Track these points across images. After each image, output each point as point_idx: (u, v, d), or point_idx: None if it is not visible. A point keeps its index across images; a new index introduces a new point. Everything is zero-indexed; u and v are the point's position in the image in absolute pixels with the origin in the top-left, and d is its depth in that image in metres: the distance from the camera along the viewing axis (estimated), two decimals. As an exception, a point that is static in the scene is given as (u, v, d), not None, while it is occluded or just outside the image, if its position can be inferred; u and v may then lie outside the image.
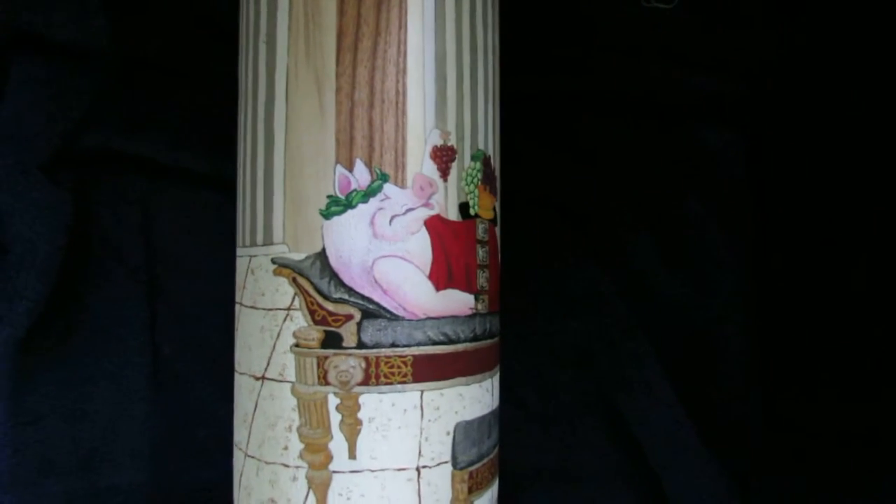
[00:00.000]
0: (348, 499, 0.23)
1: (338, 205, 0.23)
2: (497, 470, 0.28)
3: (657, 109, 0.36)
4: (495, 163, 0.27)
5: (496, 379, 0.28)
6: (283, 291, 0.24)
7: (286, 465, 0.24)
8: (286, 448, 0.24)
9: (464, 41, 0.25)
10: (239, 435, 0.26)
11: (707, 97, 0.36)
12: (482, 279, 0.26)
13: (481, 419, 0.26)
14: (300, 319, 0.24)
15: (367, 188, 0.23)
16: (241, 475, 0.25)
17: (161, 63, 0.32)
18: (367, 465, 0.23)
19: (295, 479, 0.24)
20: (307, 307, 0.24)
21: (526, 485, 0.36)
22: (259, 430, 0.24)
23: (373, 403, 0.23)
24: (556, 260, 0.37)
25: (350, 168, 0.23)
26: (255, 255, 0.25)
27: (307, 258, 0.24)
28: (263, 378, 0.24)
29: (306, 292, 0.24)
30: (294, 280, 0.24)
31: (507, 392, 0.36)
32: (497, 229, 0.28)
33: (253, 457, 0.25)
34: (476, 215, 0.26)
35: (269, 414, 0.24)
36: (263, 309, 0.24)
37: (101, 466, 0.31)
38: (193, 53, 0.32)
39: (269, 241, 0.24)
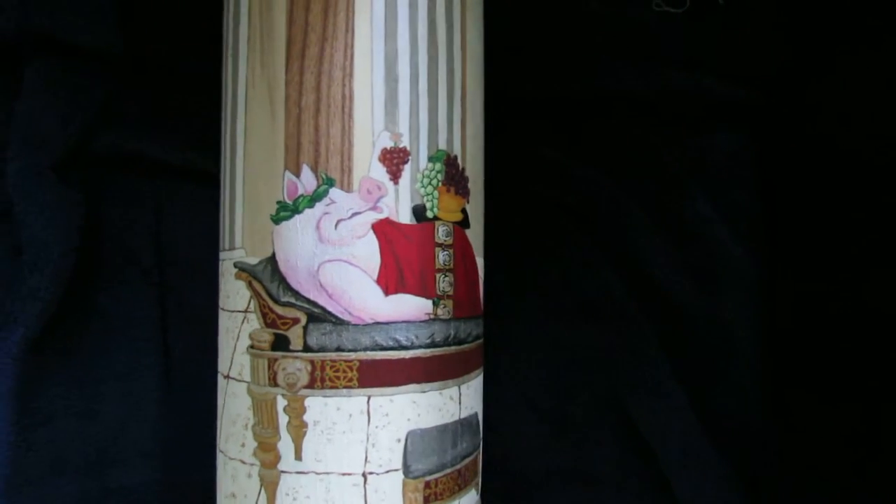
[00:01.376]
0: (294, 499, 0.24)
1: (286, 210, 0.24)
2: (470, 481, 0.27)
3: (668, 113, 0.36)
4: (466, 163, 0.26)
5: (469, 387, 0.27)
6: (242, 294, 0.25)
7: (243, 462, 0.25)
8: (243, 445, 0.25)
9: (419, 40, 0.25)
10: (216, 430, 0.27)
11: (718, 101, 0.36)
12: (443, 284, 0.25)
13: (442, 428, 0.25)
14: (254, 322, 0.24)
15: (313, 193, 0.24)
16: (216, 468, 0.27)
17: (173, 65, 0.33)
18: (312, 467, 0.24)
19: (250, 475, 0.24)
20: (260, 310, 0.24)
21: (538, 487, 0.35)
22: (225, 426, 0.26)
23: (318, 407, 0.24)
24: (569, 263, 0.37)
25: (297, 174, 0.24)
26: (224, 259, 0.26)
27: (260, 262, 0.24)
28: (228, 377, 0.25)
29: (259, 296, 0.24)
30: (250, 283, 0.25)
31: (520, 395, 0.36)
32: (470, 232, 0.27)
33: (222, 451, 0.26)
34: (435, 217, 0.25)
35: (231, 411, 0.25)
36: (228, 311, 0.26)
37: (112, 466, 0.32)
38: (206, 56, 0.33)
39: (232, 246, 0.25)
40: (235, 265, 0.25)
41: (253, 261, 0.24)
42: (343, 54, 0.24)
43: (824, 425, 0.33)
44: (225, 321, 0.26)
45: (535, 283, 0.36)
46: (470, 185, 0.27)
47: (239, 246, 0.25)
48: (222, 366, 0.26)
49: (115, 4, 0.32)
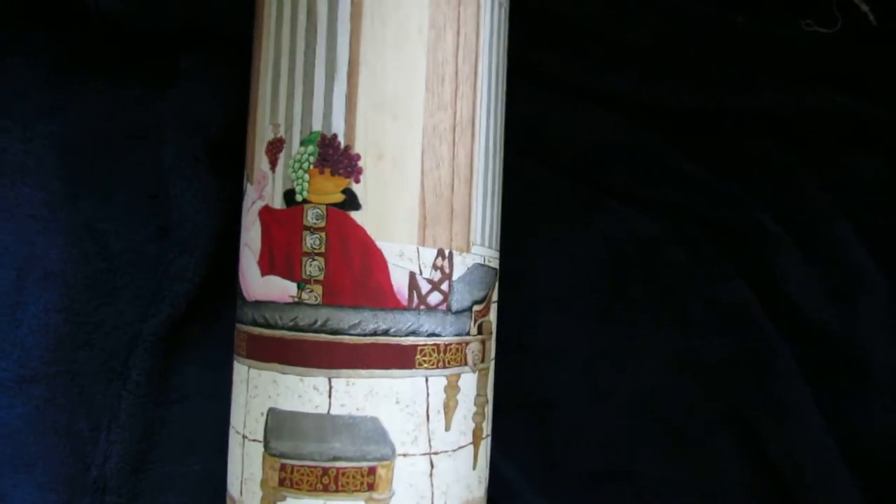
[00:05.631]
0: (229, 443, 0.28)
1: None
2: (353, 491, 0.24)
3: (811, 133, 0.36)
4: (356, 140, 0.25)
5: (356, 385, 0.24)
6: (253, 275, 0.31)
7: (244, 410, 0.31)
8: (245, 397, 0.31)
9: (298, 34, 0.25)
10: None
11: (864, 124, 0.36)
12: (310, 268, 0.25)
13: (301, 416, 0.24)
14: (245, 297, 0.30)
15: (245, 190, 0.28)
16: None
17: None
18: (231, 420, 0.28)
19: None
20: (244, 287, 0.30)
21: (658, 497, 0.35)
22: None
23: (235, 369, 0.28)
24: (704, 275, 0.36)
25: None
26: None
27: (247, 249, 0.30)
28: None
29: (245, 276, 0.30)
30: (250, 266, 0.31)
31: (641, 405, 0.35)
32: (373, 214, 0.25)
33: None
34: (305, 201, 0.25)
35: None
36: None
37: None
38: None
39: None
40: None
41: (249, 248, 0.30)
42: (257, 67, 0.27)
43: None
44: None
45: (671, 293, 0.36)
46: (365, 162, 0.25)
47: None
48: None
49: None
